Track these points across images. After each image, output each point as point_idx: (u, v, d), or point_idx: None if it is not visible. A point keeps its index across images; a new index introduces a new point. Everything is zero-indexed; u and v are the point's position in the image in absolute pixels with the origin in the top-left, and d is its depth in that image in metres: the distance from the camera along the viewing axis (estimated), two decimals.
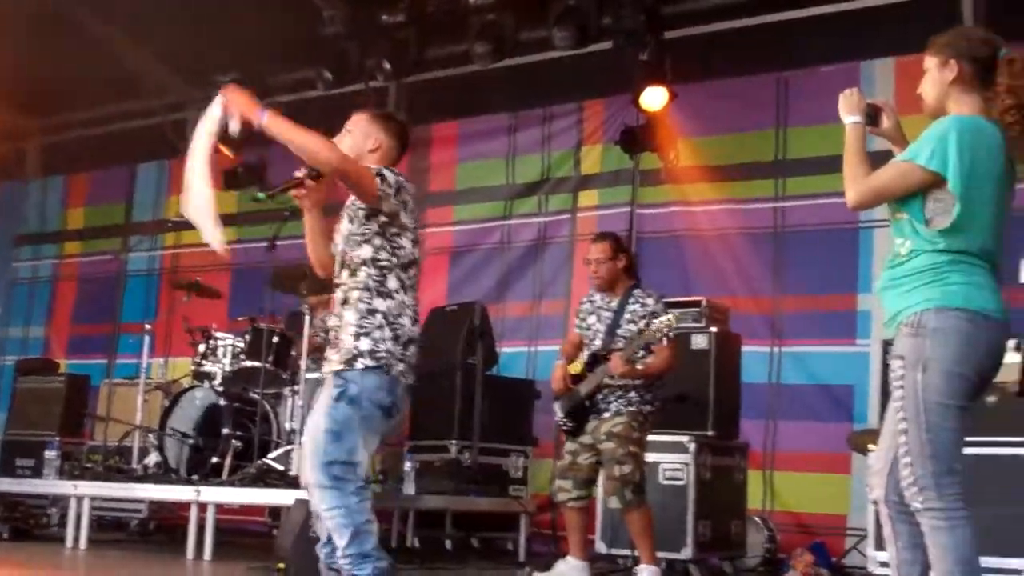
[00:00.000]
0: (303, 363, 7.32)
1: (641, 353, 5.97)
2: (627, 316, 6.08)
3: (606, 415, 6.00)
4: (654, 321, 5.96)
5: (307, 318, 7.32)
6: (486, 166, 9.98)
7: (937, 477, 3.19)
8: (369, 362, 4.06)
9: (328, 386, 4.16)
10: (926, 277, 3.31)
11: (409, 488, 6.87)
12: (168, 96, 10.90)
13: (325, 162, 4.01)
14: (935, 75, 3.46)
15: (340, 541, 4.03)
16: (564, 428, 6.14)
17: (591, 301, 6.31)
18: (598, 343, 6.12)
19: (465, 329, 8.17)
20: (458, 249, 9.93)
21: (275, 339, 7.60)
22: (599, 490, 6.54)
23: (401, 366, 4.12)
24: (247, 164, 10.10)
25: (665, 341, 5.96)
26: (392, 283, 4.16)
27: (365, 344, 4.07)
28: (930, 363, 3.23)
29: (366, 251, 4.16)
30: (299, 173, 4.22)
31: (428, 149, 10.08)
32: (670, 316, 5.96)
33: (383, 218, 4.16)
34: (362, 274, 4.14)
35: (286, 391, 7.70)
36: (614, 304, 6.17)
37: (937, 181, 3.30)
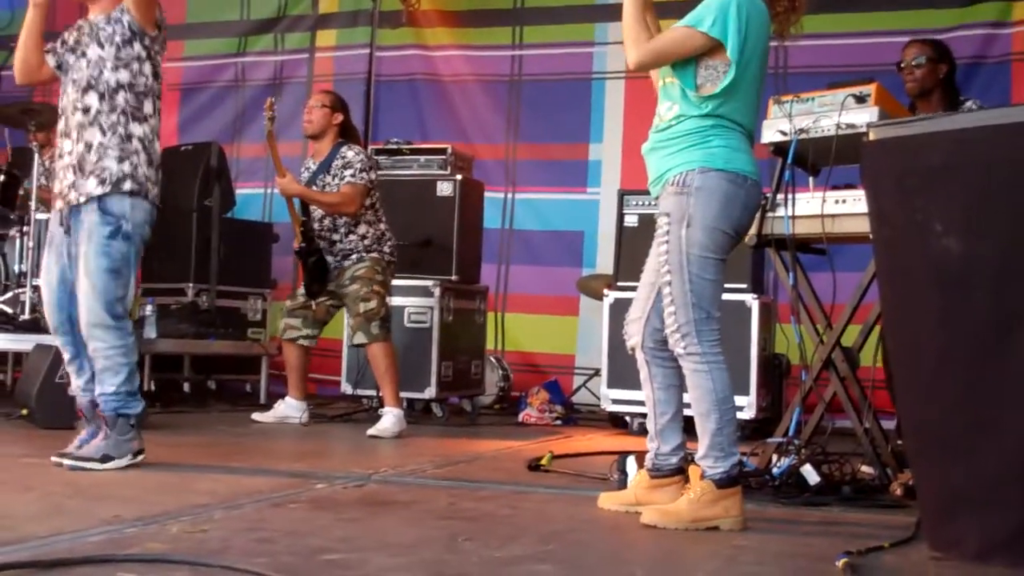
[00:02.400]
0: (32, 203, 6.98)
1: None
2: (332, 172, 6.16)
3: (347, 263, 6.13)
4: (346, 171, 6.08)
5: (36, 156, 6.99)
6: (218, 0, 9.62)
7: (698, 324, 3.44)
8: (132, 186, 4.19)
9: (87, 223, 4.16)
10: (691, 140, 3.51)
11: (150, 332, 6.75)
12: None
13: None
14: None
15: (115, 379, 4.15)
16: (310, 293, 6.20)
17: (307, 168, 6.38)
18: None
19: (201, 170, 7.96)
20: (189, 86, 9.56)
21: (1, 177, 7.18)
22: (344, 331, 6.72)
23: (155, 190, 4.30)
24: None
25: (346, 182, 6.07)
26: (147, 108, 4.31)
27: (127, 167, 4.19)
28: (694, 219, 3.45)
29: (124, 76, 4.24)
30: None
31: None
32: (362, 159, 6.11)
33: (147, 41, 4.27)
34: (120, 99, 4.23)
35: (13, 232, 7.34)
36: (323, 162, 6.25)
37: (714, 48, 3.48)
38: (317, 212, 6.17)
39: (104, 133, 4.19)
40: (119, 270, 4.16)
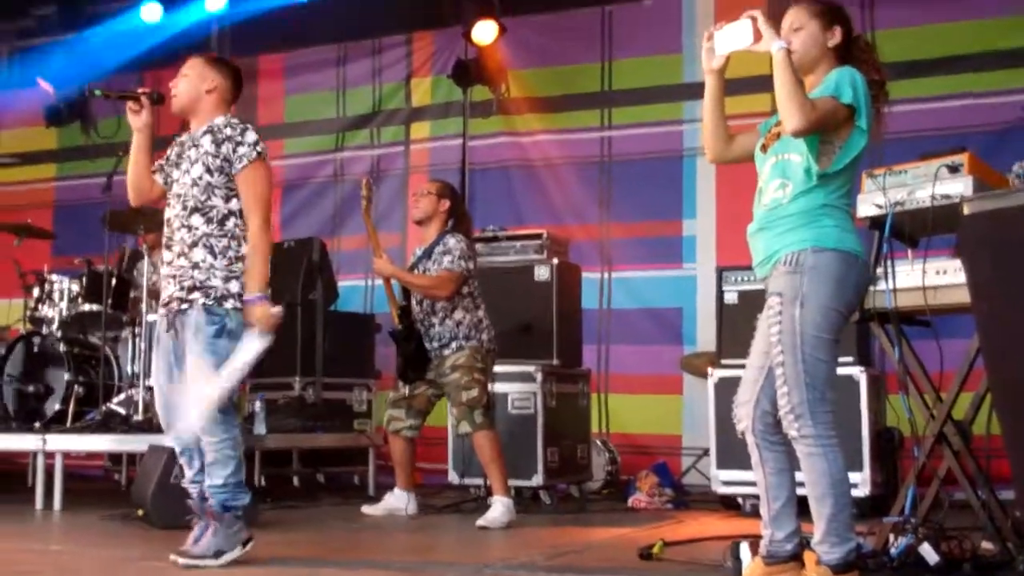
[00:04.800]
0: (143, 305, 7.23)
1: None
2: (432, 258, 6.23)
3: (447, 352, 6.15)
4: (444, 257, 6.14)
5: (146, 258, 7.26)
6: (316, 98, 9.94)
7: (812, 405, 3.42)
8: (239, 304, 4.32)
9: (193, 323, 4.31)
10: (802, 219, 3.52)
11: (260, 428, 6.86)
12: None
13: None
14: (818, 36, 3.63)
15: (223, 471, 4.28)
16: (404, 379, 6.25)
17: (415, 254, 6.47)
18: None
19: (304, 265, 8.16)
20: (289, 183, 9.87)
21: (113, 281, 7.43)
22: (449, 420, 6.75)
23: None
24: (69, 101, 9.79)
25: (442, 267, 6.12)
26: None
27: (235, 287, 4.33)
28: (808, 299, 3.45)
29: (234, 204, 4.41)
30: (141, 89, 4.55)
31: (254, 82, 9.92)
32: (461, 247, 6.13)
33: None
34: (230, 224, 4.38)
35: (125, 333, 7.58)
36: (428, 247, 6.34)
37: (845, 121, 3.49)
38: (419, 296, 6.25)
39: (213, 255, 4.33)
40: (224, 367, 4.27)
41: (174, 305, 4.38)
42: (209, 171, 4.38)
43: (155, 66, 9.80)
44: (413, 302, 6.26)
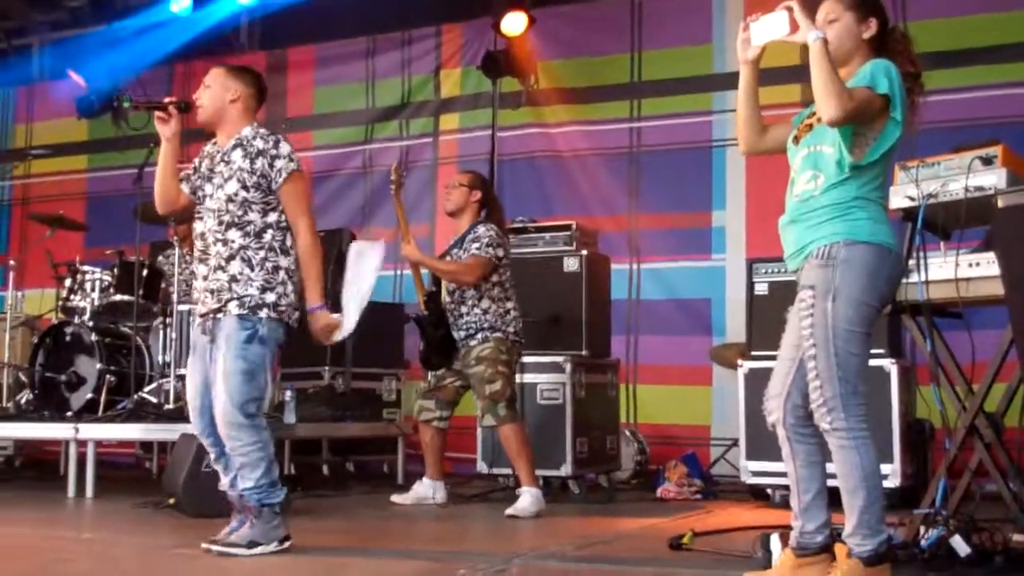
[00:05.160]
0: (174, 296, 7.29)
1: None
2: (463, 247, 6.24)
3: (472, 343, 6.17)
4: (472, 245, 6.16)
5: (177, 249, 7.31)
6: (345, 90, 9.97)
7: (844, 398, 3.41)
8: (272, 314, 4.34)
9: (227, 329, 4.33)
10: (834, 211, 3.49)
11: (290, 417, 6.91)
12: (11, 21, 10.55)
13: None
14: (852, 28, 3.61)
15: (254, 473, 4.31)
16: (428, 365, 6.29)
17: (450, 244, 6.47)
18: None
19: (333, 256, 8.16)
20: (318, 174, 9.89)
21: (144, 271, 7.48)
22: (477, 413, 6.76)
23: (296, 314, 4.46)
24: (100, 93, 9.86)
25: (470, 254, 6.14)
26: (291, 240, 4.46)
27: (270, 298, 4.35)
28: (839, 292, 3.43)
29: (271, 217, 4.42)
30: (168, 99, 4.57)
31: (284, 74, 9.99)
32: (491, 235, 6.15)
33: None
34: (267, 236, 4.40)
35: (156, 323, 7.64)
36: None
37: (879, 112, 3.47)
38: (450, 286, 6.27)
39: (251, 267, 4.33)
40: (254, 372, 4.30)
41: (210, 314, 4.39)
42: (245, 187, 4.38)
43: (186, 58, 9.93)
44: (444, 291, 6.29)
